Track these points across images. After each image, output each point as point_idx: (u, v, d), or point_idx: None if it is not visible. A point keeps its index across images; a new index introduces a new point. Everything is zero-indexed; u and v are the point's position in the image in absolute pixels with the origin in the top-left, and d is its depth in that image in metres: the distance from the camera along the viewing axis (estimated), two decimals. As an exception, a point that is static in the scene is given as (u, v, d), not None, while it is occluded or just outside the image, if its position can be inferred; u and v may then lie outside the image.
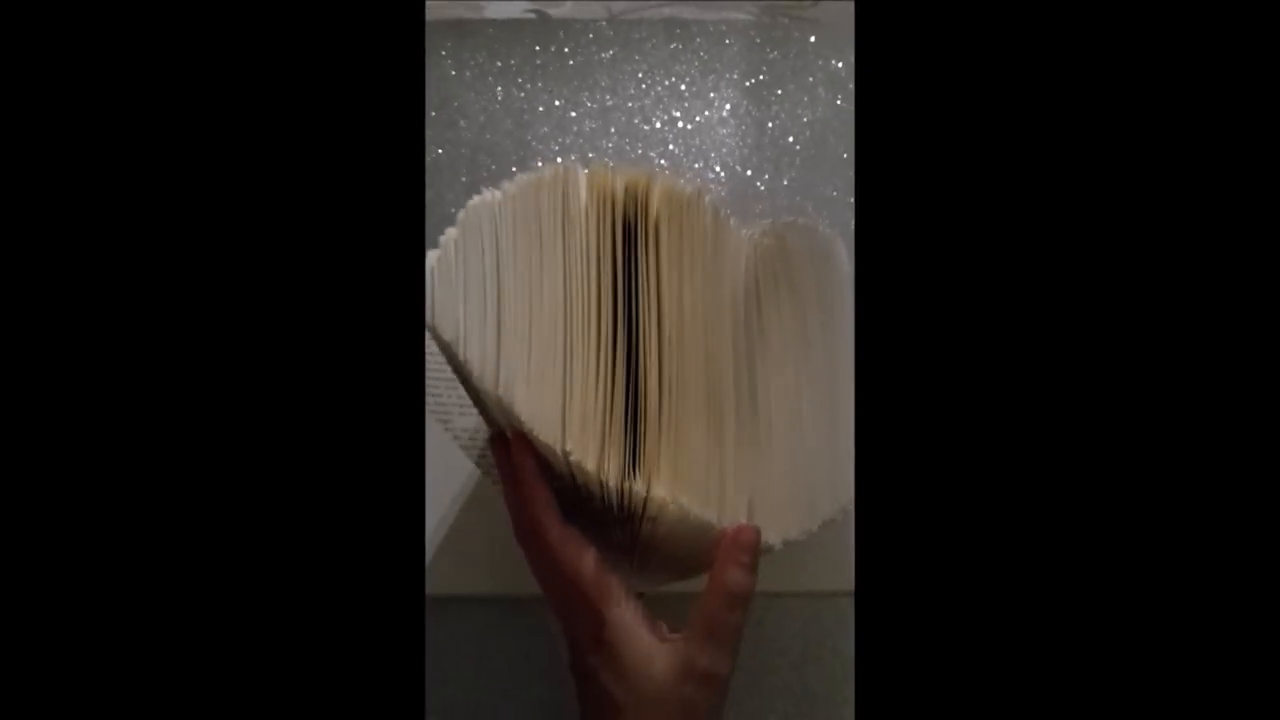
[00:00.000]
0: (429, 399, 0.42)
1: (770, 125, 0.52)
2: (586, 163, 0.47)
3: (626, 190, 0.35)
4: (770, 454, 0.36)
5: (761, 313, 0.37)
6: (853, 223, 0.50)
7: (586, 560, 0.34)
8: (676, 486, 0.33)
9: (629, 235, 0.35)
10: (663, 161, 0.52)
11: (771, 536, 0.35)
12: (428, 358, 0.41)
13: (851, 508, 0.38)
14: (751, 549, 0.34)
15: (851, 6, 0.55)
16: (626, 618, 0.33)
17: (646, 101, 0.53)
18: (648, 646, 0.33)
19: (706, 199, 0.37)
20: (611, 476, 0.33)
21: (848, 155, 0.51)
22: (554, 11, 0.56)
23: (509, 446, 0.35)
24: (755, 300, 0.38)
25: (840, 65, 0.53)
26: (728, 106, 0.53)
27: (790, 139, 0.52)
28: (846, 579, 0.44)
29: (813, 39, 0.54)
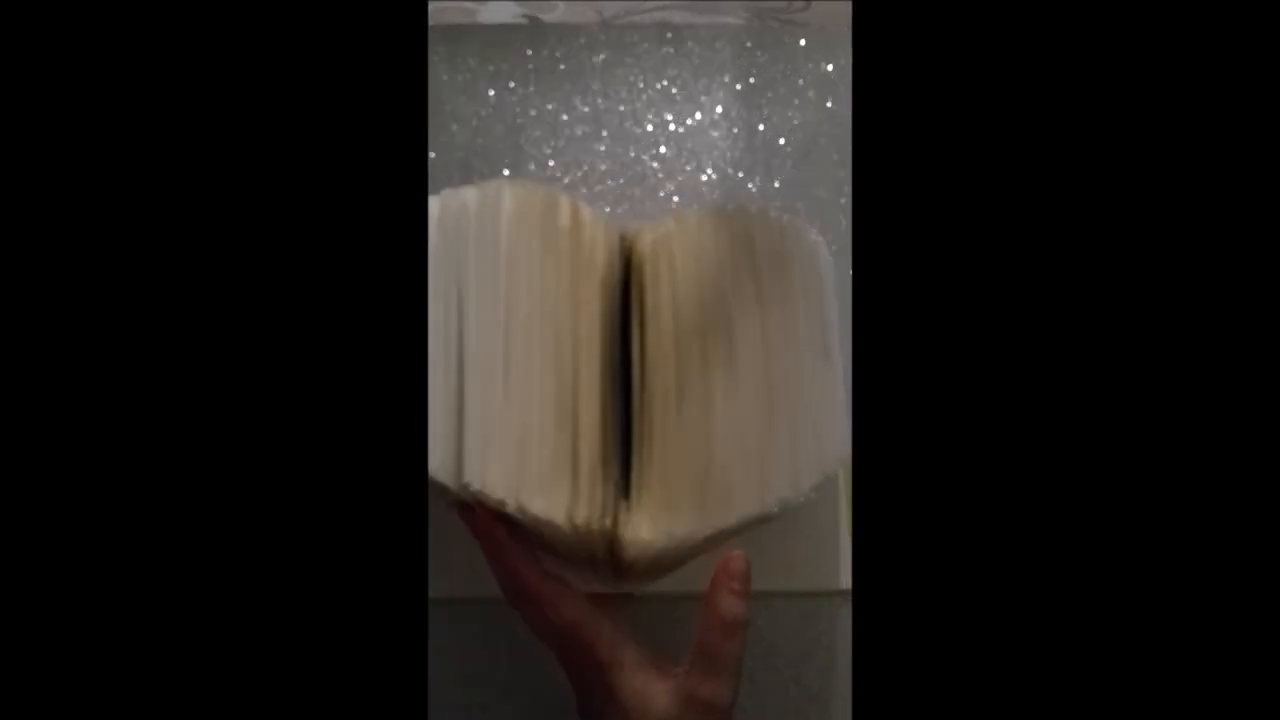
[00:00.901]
0: None
1: (761, 127, 0.53)
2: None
3: (480, 200, 0.35)
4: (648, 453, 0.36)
5: (644, 307, 0.37)
6: (843, 221, 0.51)
7: (579, 611, 0.35)
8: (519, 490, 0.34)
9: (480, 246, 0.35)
10: (655, 165, 0.52)
11: (676, 529, 0.35)
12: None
13: (838, 491, 0.39)
14: (741, 577, 0.34)
15: (841, 9, 0.55)
16: (625, 660, 0.34)
17: (638, 105, 0.53)
18: (648, 685, 0.34)
19: (564, 199, 0.37)
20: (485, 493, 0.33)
21: (838, 156, 0.52)
22: (546, 16, 0.56)
23: (477, 516, 0.35)
24: (639, 296, 0.37)
25: (830, 68, 0.54)
26: (719, 109, 0.53)
27: (781, 141, 0.52)
28: (839, 578, 0.44)
29: (803, 42, 0.54)
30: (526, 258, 0.35)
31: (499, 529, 0.35)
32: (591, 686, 0.35)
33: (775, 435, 0.35)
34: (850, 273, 0.50)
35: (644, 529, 0.34)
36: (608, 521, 0.34)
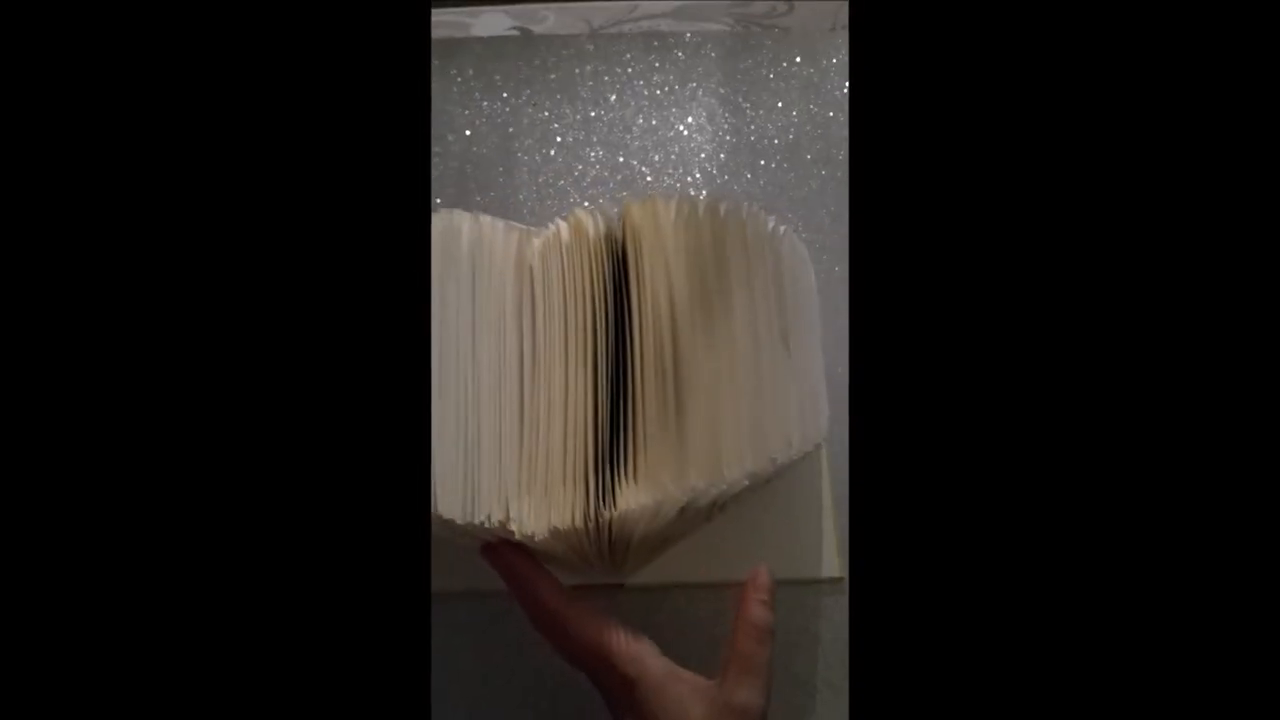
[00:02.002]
0: None
1: (746, 130, 0.54)
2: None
3: None
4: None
5: (535, 310, 0.38)
6: (826, 220, 0.52)
7: (606, 632, 0.35)
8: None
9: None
10: (644, 169, 0.53)
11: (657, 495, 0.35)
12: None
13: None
14: (769, 589, 0.37)
15: (823, 14, 0.57)
16: (656, 675, 0.35)
17: (626, 112, 0.55)
18: (681, 696, 0.34)
19: (466, 220, 0.38)
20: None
21: (821, 157, 0.53)
22: (536, 28, 0.58)
23: (497, 552, 0.37)
24: (530, 299, 0.38)
25: (813, 72, 0.55)
26: (704, 114, 0.54)
27: (765, 143, 0.54)
28: (825, 567, 0.45)
29: (786, 48, 0.55)
30: (432, 287, 0.36)
31: (520, 560, 0.36)
32: (624, 705, 0.35)
33: (726, 416, 0.36)
34: (834, 267, 0.51)
35: (632, 499, 0.34)
36: (591, 511, 0.35)
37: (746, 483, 0.36)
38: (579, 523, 0.34)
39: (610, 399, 0.36)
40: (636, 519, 0.35)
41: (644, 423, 0.35)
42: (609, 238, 0.38)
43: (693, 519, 0.39)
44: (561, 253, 0.38)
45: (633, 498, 0.34)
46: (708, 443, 0.35)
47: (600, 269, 0.37)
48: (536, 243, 0.39)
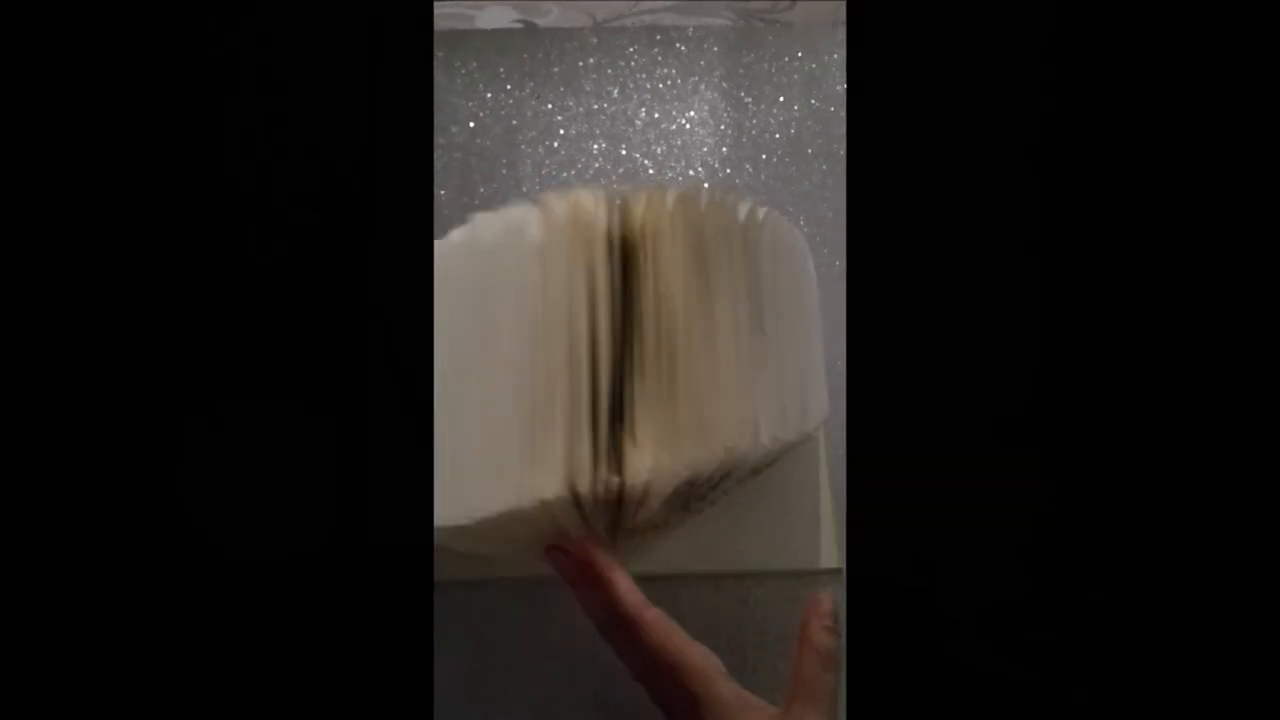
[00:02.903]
0: None
1: (747, 124, 0.54)
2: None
3: None
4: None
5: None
6: (828, 214, 0.52)
7: (679, 644, 0.35)
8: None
9: None
10: (646, 162, 0.54)
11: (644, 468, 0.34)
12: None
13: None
14: (831, 615, 0.36)
15: (824, 9, 0.57)
16: (723, 698, 0.34)
17: (629, 106, 0.55)
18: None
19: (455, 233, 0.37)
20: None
21: (822, 151, 0.53)
22: (540, 21, 0.58)
23: (565, 553, 0.36)
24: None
25: (815, 66, 0.55)
26: (707, 108, 0.55)
27: (767, 137, 0.54)
28: (823, 558, 0.45)
29: (788, 42, 0.56)
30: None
31: (596, 559, 0.35)
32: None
33: (697, 401, 0.35)
34: (835, 261, 0.51)
35: (634, 470, 0.34)
36: (599, 480, 0.34)
37: (688, 474, 0.35)
38: (528, 504, 0.33)
39: (581, 387, 0.35)
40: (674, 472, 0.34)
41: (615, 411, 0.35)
42: (576, 223, 0.37)
43: (668, 509, 0.38)
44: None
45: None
46: (654, 432, 0.34)
47: (571, 259, 0.36)
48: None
